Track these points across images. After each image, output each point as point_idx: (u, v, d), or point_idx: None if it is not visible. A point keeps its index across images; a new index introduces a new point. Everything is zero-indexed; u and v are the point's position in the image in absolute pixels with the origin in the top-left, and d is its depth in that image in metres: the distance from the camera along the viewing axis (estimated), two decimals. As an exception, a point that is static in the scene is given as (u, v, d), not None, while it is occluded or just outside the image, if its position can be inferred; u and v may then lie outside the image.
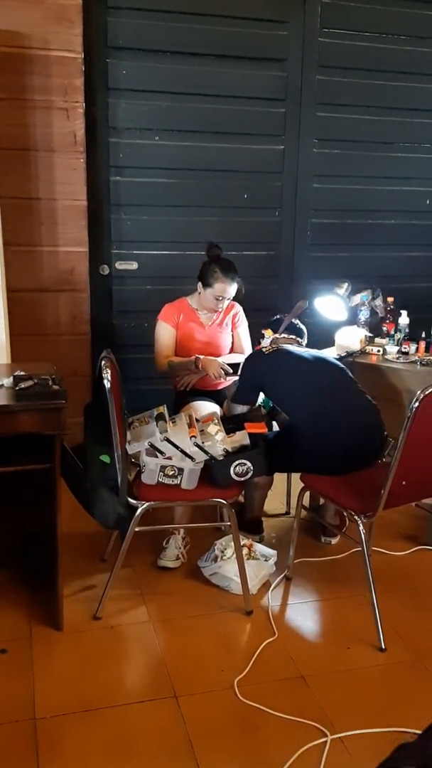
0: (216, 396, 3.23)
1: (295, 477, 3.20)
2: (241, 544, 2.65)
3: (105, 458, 2.48)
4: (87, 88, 3.49)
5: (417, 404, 2.20)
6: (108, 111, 3.68)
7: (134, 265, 3.88)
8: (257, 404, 2.90)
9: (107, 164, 3.74)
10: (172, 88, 3.72)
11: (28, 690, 2.17)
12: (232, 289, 3.12)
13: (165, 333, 3.23)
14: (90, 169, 3.60)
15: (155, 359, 3.24)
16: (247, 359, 2.94)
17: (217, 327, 3.29)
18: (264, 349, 2.86)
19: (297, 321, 3.15)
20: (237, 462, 2.51)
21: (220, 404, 3.16)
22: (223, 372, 3.10)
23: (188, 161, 3.83)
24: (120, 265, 3.87)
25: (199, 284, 3.17)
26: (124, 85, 3.66)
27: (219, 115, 3.82)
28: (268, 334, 3.11)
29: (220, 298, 3.13)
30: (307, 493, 2.90)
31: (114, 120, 3.70)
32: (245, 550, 2.73)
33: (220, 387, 3.23)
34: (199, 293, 3.18)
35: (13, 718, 2.05)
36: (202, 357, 3.12)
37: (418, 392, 2.21)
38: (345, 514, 3.05)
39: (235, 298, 3.19)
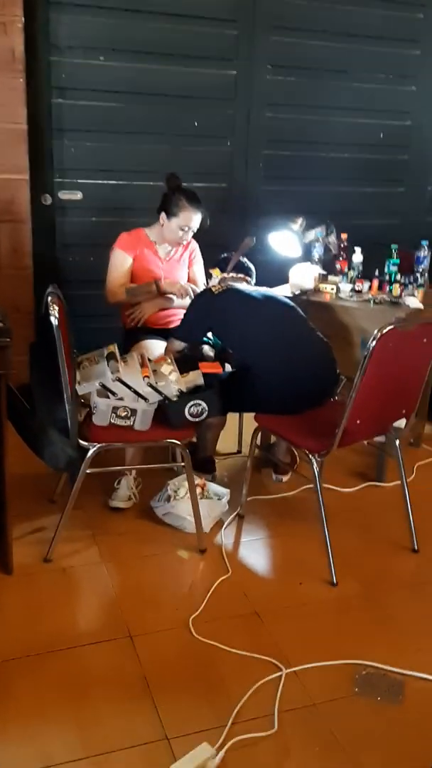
0: (166, 334, 3.14)
1: (248, 416, 3.17)
2: (195, 483, 2.62)
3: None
4: (26, 1, 3.22)
5: (374, 343, 2.17)
6: (49, 26, 3.42)
7: (78, 195, 3.70)
8: (209, 343, 2.84)
9: (48, 85, 3.50)
10: (119, 3, 3.48)
11: (-21, 635, 2.12)
12: (198, 218, 3.00)
13: (122, 261, 3.08)
14: (30, 90, 3.36)
15: (107, 289, 3.10)
16: (196, 297, 2.86)
17: (175, 262, 3.17)
18: (213, 288, 2.77)
19: (245, 259, 3.07)
20: (192, 402, 2.46)
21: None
22: (189, 290, 3.00)
23: (136, 84, 3.63)
24: (63, 195, 3.68)
25: (162, 215, 3.03)
26: (65, -3, 3.40)
27: (169, 36, 3.61)
28: (216, 274, 3.02)
29: (186, 229, 3.00)
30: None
31: (56, 37, 3.45)
32: (198, 490, 2.71)
33: (171, 325, 3.13)
34: (162, 224, 3.04)
35: (-37, 663, 2.01)
36: (162, 279, 3.02)
37: (375, 331, 2.18)
38: (297, 452, 3.06)
39: (198, 230, 3.07)
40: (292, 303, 2.78)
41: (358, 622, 2.28)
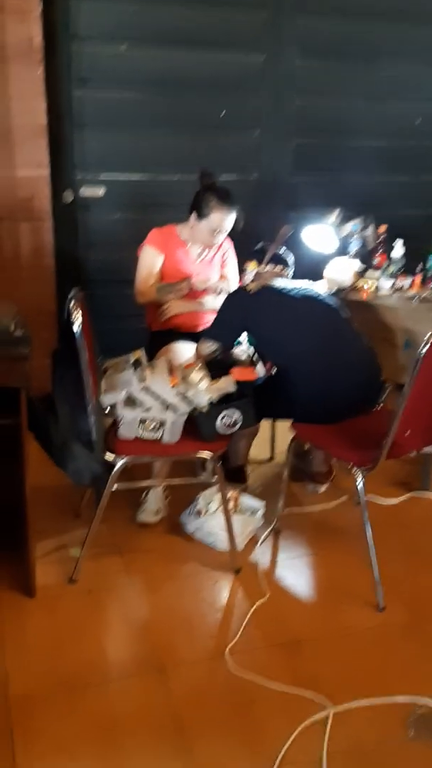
0: (194, 337, 2.96)
1: (281, 420, 3.00)
2: (227, 497, 2.45)
3: None
4: (43, -14, 3.06)
5: (426, 348, 1.98)
6: (69, 15, 3.26)
7: (101, 191, 3.54)
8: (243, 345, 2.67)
9: (68, 76, 3.34)
10: (140, -12, 3.31)
11: (0, 665, 1.98)
12: (230, 220, 2.81)
13: (152, 259, 2.91)
14: (49, 82, 3.20)
15: (136, 289, 2.94)
16: (229, 296, 2.67)
17: (207, 263, 3.00)
18: (248, 287, 2.59)
19: (282, 249, 2.88)
20: (224, 413, 2.29)
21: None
22: (222, 288, 2.85)
23: (160, 74, 3.45)
24: (85, 192, 3.52)
25: (193, 216, 2.84)
26: (85, -17, 3.23)
27: (194, 22, 3.42)
28: (252, 267, 2.85)
29: (218, 232, 2.82)
30: (295, 441, 2.71)
31: (75, 25, 3.28)
32: (231, 504, 2.54)
33: (200, 328, 2.96)
34: (192, 226, 2.86)
35: (-17, 699, 1.87)
36: (194, 277, 2.85)
37: (428, 334, 1.98)
38: (335, 463, 2.88)
39: (232, 231, 2.88)
40: (334, 303, 2.59)
41: (408, 652, 2.09)
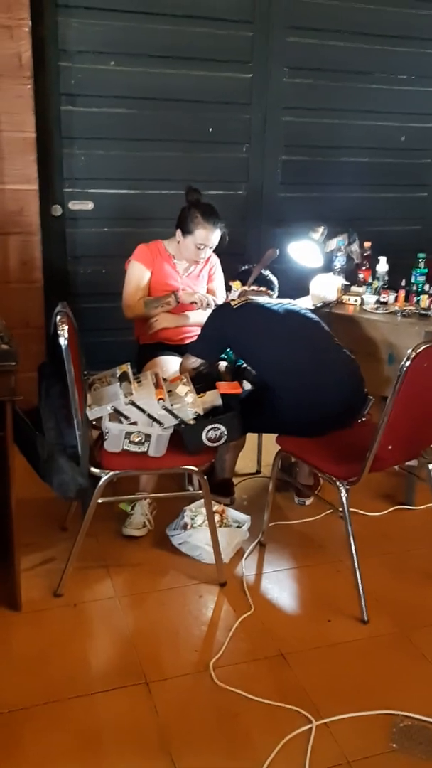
0: (181, 350, 2.98)
1: (268, 434, 3.02)
2: (213, 510, 2.46)
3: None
4: (33, 4, 3.09)
5: (408, 363, 2.01)
6: (57, 30, 3.29)
7: (89, 205, 3.56)
8: (225, 360, 2.69)
9: (57, 92, 3.37)
10: (130, 6, 3.34)
11: (-16, 681, 1.97)
12: (215, 236, 2.84)
13: (139, 274, 2.93)
14: (38, 97, 3.23)
15: (124, 303, 2.96)
16: (214, 311, 2.70)
17: (194, 277, 3.02)
18: (232, 302, 2.61)
19: (267, 272, 2.91)
20: (210, 426, 2.30)
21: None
22: (209, 300, 2.88)
23: (148, 89, 3.48)
24: (74, 205, 3.54)
25: (178, 232, 2.87)
26: (75, 1, 3.26)
27: (181, 38, 3.46)
28: (236, 287, 2.87)
29: (202, 247, 2.85)
30: (282, 454, 2.72)
31: (64, 41, 3.31)
32: (217, 517, 2.55)
33: (187, 341, 2.98)
34: (179, 242, 2.89)
35: (-33, 714, 1.86)
36: (180, 291, 2.87)
37: (409, 350, 2.01)
38: (321, 477, 2.89)
39: (217, 248, 2.91)
40: (316, 317, 2.62)
41: (392, 664, 2.10)
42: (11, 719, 1.85)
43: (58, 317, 2.15)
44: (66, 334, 2.10)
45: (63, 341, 2.09)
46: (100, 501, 2.30)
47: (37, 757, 1.75)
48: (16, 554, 2.23)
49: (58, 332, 2.11)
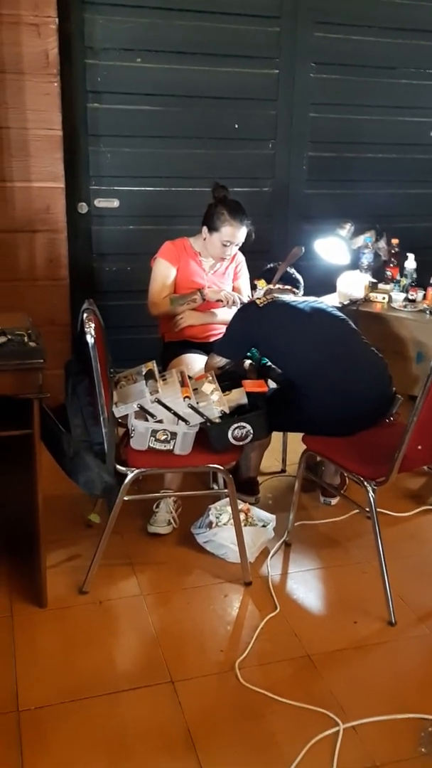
0: (207, 348, 2.97)
1: (293, 433, 3.00)
2: (238, 509, 2.45)
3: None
4: (60, 1, 3.09)
5: (439, 362, 1.97)
6: (84, 28, 3.29)
7: (115, 203, 3.56)
8: (250, 358, 2.67)
9: (84, 89, 3.37)
10: (155, 2, 3.34)
11: (10, 677, 1.98)
12: (241, 233, 2.83)
13: (165, 271, 2.93)
14: (65, 95, 3.23)
15: (149, 301, 2.95)
16: (239, 311, 2.68)
17: (220, 275, 3.01)
18: (258, 301, 2.59)
19: (292, 270, 2.89)
20: (236, 425, 2.28)
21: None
22: (235, 298, 2.86)
23: (174, 86, 3.47)
24: (100, 203, 3.54)
25: (204, 229, 2.86)
26: (101, -3, 3.26)
27: (208, 35, 3.45)
28: (261, 285, 2.85)
29: (228, 244, 2.83)
30: (308, 453, 2.70)
31: (91, 39, 3.32)
32: (242, 516, 2.54)
33: (212, 339, 2.97)
34: (204, 238, 2.88)
35: (-6, 710, 1.87)
36: (206, 288, 2.86)
37: (440, 349, 1.98)
38: (348, 476, 2.86)
39: (243, 244, 2.90)
40: (343, 315, 2.59)
41: (420, 667, 2.08)
42: (37, 716, 1.85)
43: (85, 315, 2.15)
44: (93, 332, 2.10)
45: (90, 339, 2.09)
46: (125, 498, 2.30)
47: (63, 754, 1.75)
48: (42, 551, 2.24)
49: (85, 330, 2.11)
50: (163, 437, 2.27)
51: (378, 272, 3.28)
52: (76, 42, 3.29)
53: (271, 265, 2.92)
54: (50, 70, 3.11)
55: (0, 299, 3.05)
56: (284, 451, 3.24)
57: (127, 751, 1.76)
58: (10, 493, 2.53)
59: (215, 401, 2.29)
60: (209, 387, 2.34)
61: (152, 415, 2.25)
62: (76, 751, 1.76)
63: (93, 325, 2.11)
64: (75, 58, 3.31)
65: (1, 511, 2.64)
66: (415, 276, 3.15)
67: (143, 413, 2.25)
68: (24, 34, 3.05)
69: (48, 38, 3.08)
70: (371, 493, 2.22)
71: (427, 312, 2.93)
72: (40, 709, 1.88)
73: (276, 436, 2.93)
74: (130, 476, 2.27)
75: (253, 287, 2.91)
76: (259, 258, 3.12)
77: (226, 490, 2.41)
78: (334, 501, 2.94)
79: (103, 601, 2.32)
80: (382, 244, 3.28)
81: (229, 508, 2.54)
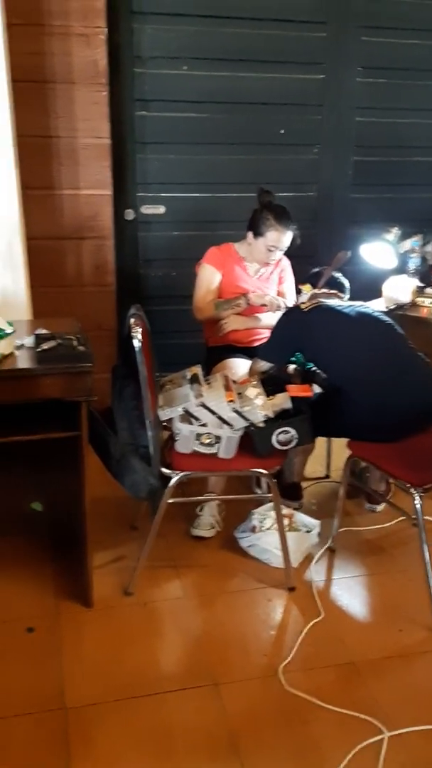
0: (251, 352, 2.98)
1: (337, 438, 2.98)
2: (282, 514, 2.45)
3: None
4: (110, 12, 3.15)
5: None
6: (132, 37, 3.34)
7: (161, 209, 3.60)
8: (295, 363, 2.67)
9: (131, 97, 3.42)
10: (202, 11, 3.37)
11: (57, 675, 2.02)
12: (287, 238, 2.83)
13: (210, 277, 2.95)
14: (113, 103, 3.29)
15: (195, 306, 2.98)
16: (284, 315, 2.68)
17: (264, 279, 3.02)
18: (302, 306, 2.59)
19: (338, 274, 2.88)
20: (280, 430, 2.29)
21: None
22: (280, 303, 2.87)
23: (219, 93, 3.50)
24: (146, 210, 3.59)
25: (250, 234, 2.88)
26: (149, 8, 3.31)
27: (253, 41, 3.46)
28: (306, 290, 2.84)
29: (273, 249, 2.84)
30: (352, 459, 2.68)
31: (139, 48, 3.36)
32: (285, 521, 2.53)
33: (256, 343, 2.98)
34: (249, 244, 2.90)
35: (42, 707, 1.91)
36: (251, 293, 2.87)
37: None
38: (393, 483, 2.84)
39: (289, 249, 2.90)
40: (389, 320, 2.57)
41: (467, 678, 2.05)
42: (83, 714, 1.89)
43: (132, 319, 2.19)
44: (140, 336, 2.13)
45: (137, 343, 2.12)
46: (170, 501, 2.32)
47: (108, 752, 1.78)
48: (89, 552, 2.28)
49: (132, 334, 2.15)
50: (208, 441, 2.29)
51: (425, 276, 3.24)
52: (124, 51, 3.34)
53: (317, 269, 2.92)
54: (99, 79, 3.17)
55: (50, 305, 3.11)
56: (328, 457, 3.23)
57: (171, 752, 1.78)
58: (58, 494, 2.59)
59: (259, 405, 2.29)
60: (253, 391, 2.35)
61: (197, 419, 2.27)
62: (122, 749, 1.79)
63: (139, 330, 2.15)
64: (123, 68, 3.36)
65: (49, 512, 2.70)
66: (462, 281, 3.11)
67: (188, 417, 2.27)
68: (74, 44, 3.11)
69: (97, 48, 3.13)
70: (418, 500, 2.20)
71: None
72: (86, 707, 1.91)
73: (320, 441, 2.92)
74: (174, 479, 2.29)
75: (298, 292, 2.90)
76: (304, 263, 3.11)
77: (269, 495, 2.41)
78: (379, 507, 2.92)
79: (147, 602, 2.35)
80: (429, 248, 3.24)
81: (272, 513, 2.55)
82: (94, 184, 3.29)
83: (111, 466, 2.32)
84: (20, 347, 2.15)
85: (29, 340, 2.18)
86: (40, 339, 2.14)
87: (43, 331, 2.22)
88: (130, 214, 3.56)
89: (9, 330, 2.09)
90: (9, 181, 2.73)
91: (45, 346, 2.10)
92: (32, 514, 2.69)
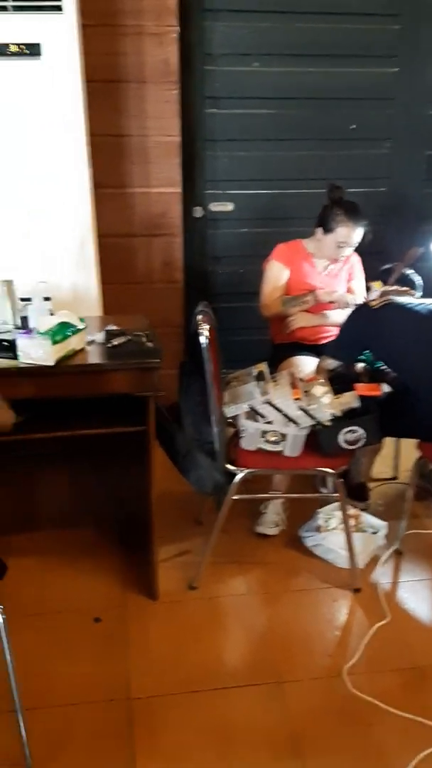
0: (318, 350, 2.95)
1: (406, 439, 2.92)
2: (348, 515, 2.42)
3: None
4: (181, 10, 3.17)
5: None
6: (204, 35, 3.36)
7: (230, 206, 3.61)
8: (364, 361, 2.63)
9: (202, 95, 3.44)
10: (273, 6, 3.34)
11: (123, 666, 2.06)
12: (357, 234, 2.80)
13: (278, 273, 2.94)
14: (183, 101, 3.31)
15: (262, 301, 2.98)
16: (353, 312, 2.63)
17: (333, 276, 2.99)
18: (372, 303, 2.54)
19: (410, 271, 2.81)
20: (347, 429, 2.26)
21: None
22: (348, 300, 2.83)
23: (290, 89, 3.47)
24: (215, 207, 3.60)
25: (319, 230, 2.85)
26: (221, 5, 3.31)
27: (324, 35, 3.42)
28: (377, 287, 2.79)
29: (343, 245, 2.81)
30: (421, 460, 2.62)
31: (210, 45, 3.37)
32: (352, 521, 2.51)
33: (323, 341, 2.95)
34: (319, 240, 2.87)
35: (108, 696, 1.95)
36: (319, 290, 2.85)
37: None
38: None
39: (359, 246, 2.86)
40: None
41: None
42: (148, 705, 1.92)
43: (200, 316, 2.20)
44: (207, 333, 2.14)
45: (203, 339, 2.14)
46: (234, 498, 2.32)
47: (171, 745, 1.80)
48: (155, 545, 2.31)
49: (199, 331, 2.16)
50: (273, 438, 2.28)
51: None
52: (195, 49, 3.35)
53: (388, 266, 2.86)
54: (170, 78, 3.20)
55: (119, 301, 3.16)
56: (396, 458, 3.17)
57: (232, 748, 1.79)
58: (125, 488, 2.63)
59: (326, 404, 2.27)
60: (320, 389, 2.33)
61: (262, 416, 2.26)
62: (185, 742, 1.81)
63: (206, 327, 2.16)
64: (194, 65, 3.37)
65: (116, 506, 2.74)
66: None
67: (253, 414, 2.27)
68: (146, 43, 3.15)
69: (169, 47, 3.16)
70: None
71: None
72: (151, 698, 1.94)
73: (388, 442, 2.87)
74: (239, 476, 2.29)
75: (368, 289, 2.86)
76: (375, 259, 3.06)
77: (335, 495, 2.38)
78: (448, 510, 2.85)
79: (211, 597, 2.36)
80: None
81: (337, 513, 2.52)
82: (164, 182, 3.32)
83: (177, 461, 2.34)
84: (91, 343, 2.20)
85: (100, 336, 2.23)
86: (110, 335, 2.19)
87: (114, 327, 2.26)
88: (198, 212, 3.58)
89: (81, 326, 2.13)
90: (82, 180, 2.78)
91: (115, 341, 2.14)
92: (100, 508, 2.74)
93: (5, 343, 2.07)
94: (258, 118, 3.50)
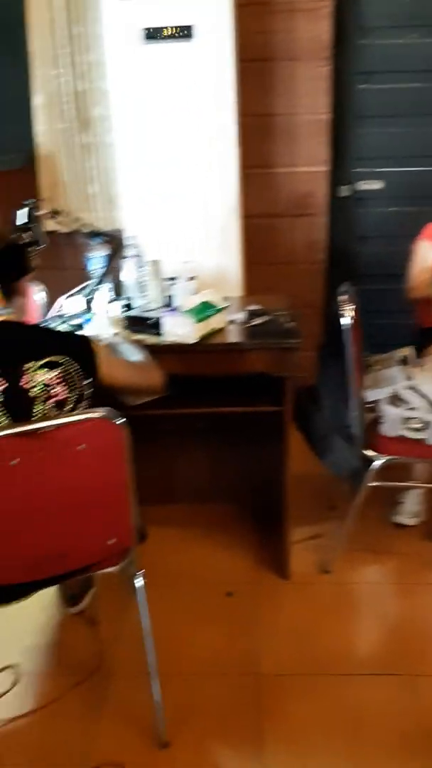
0: (469, 336, 2.81)
1: None
2: None
3: None
4: (335, -17, 3.09)
5: None
6: (359, 8, 3.25)
7: (379, 185, 3.49)
8: None
9: (353, 71, 3.33)
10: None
11: (253, 641, 2.08)
12: None
13: (426, 253, 2.81)
14: (334, 78, 3.23)
15: (409, 283, 2.87)
16: None
17: None
18: None
19: None
20: None
21: None
22: None
23: (449, 60, 3.29)
24: (362, 185, 3.50)
25: None
26: (377, -26, 3.19)
27: None
28: None
29: None
30: None
31: (364, 18, 3.26)
32: None
33: None
34: None
35: (238, 669, 1.99)
36: None
37: None
38: None
39: None
40: None
41: None
42: (276, 682, 1.93)
43: (343, 297, 2.16)
44: (350, 314, 2.10)
45: (346, 321, 2.09)
46: (371, 484, 2.27)
47: (297, 725, 1.80)
48: (288, 526, 2.31)
49: (341, 312, 2.12)
50: (416, 426, 2.20)
51: None
52: (348, 23, 3.26)
53: None
54: (322, 54, 3.13)
55: (262, 281, 3.17)
56: None
57: (359, 737, 1.76)
58: (261, 467, 2.64)
59: None
60: (470, 377, 2.21)
61: (405, 402, 2.19)
62: (311, 725, 1.80)
63: (350, 308, 2.11)
64: (346, 40, 3.28)
65: (252, 484, 2.77)
66: None
67: (396, 399, 2.20)
68: (299, 20, 3.10)
69: (322, 22, 3.09)
70: None
71: None
72: (279, 676, 1.95)
73: None
74: (378, 463, 2.24)
75: None
76: None
77: None
78: None
79: (345, 583, 2.33)
80: None
81: None
82: (310, 161, 3.28)
83: (313, 443, 2.33)
84: (232, 322, 2.22)
85: (241, 316, 2.25)
86: (251, 314, 2.20)
87: (255, 307, 2.27)
88: (343, 191, 3.49)
89: (223, 305, 2.16)
90: (231, 161, 2.80)
91: (255, 321, 2.15)
92: (236, 485, 2.78)
93: (152, 321, 2.14)
94: (413, 92, 3.34)
